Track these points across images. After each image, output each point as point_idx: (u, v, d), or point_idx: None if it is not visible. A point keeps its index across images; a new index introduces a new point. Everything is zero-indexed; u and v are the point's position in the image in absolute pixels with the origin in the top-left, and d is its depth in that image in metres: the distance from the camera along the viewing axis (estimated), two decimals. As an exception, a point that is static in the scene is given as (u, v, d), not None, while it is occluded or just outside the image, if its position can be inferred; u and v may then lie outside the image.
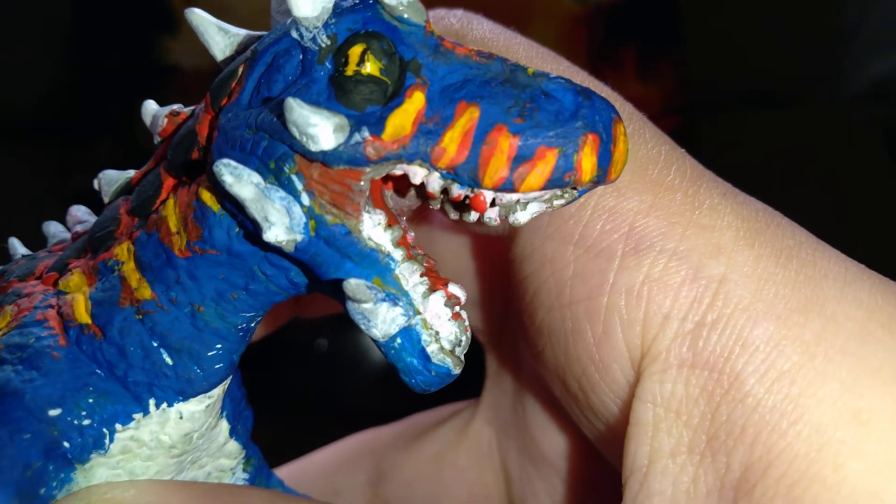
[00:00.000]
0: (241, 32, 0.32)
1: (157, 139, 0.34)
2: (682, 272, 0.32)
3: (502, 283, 0.41)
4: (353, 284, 0.28)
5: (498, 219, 0.30)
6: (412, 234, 0.31)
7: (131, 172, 0.35)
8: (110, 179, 0.35)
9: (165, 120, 0.33)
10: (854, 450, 0.29)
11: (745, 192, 0.36)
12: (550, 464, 0.43)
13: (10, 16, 1.21)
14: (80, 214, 0.37)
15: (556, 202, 0.30)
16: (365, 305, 0.29)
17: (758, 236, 0.33)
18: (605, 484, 0.35)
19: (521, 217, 0.30)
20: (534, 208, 0.30)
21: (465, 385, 0.48)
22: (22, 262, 0.36)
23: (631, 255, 0.33)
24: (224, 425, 0.36)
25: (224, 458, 0.37)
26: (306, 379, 1.09)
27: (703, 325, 0.32)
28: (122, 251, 0.32)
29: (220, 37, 0.32)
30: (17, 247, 0.37)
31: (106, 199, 0.35)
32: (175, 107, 0.34)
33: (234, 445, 0.37)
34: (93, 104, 1.25)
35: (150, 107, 0.34)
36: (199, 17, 0.32)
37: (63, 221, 0.38)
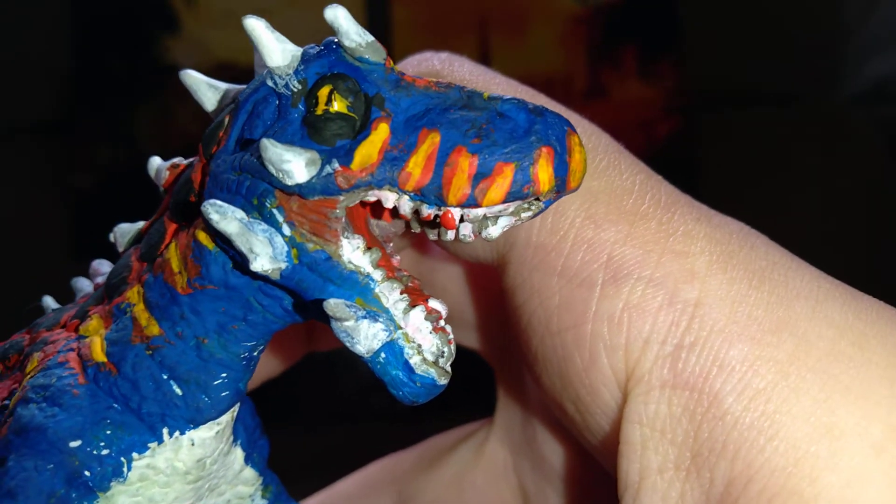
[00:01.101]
0: (226, 86, 0.35)
1: (161, 190, 0.36)
2: (658, 298, 0.33)
3: (503, 310, 0.42)
4: (333, 304, 0.30)
5: (472, 235, 0.31)
6: (398, 257, 0.33)
7: (141, 223, 0.37)
8: (124, 232, 0.37)
9: (167, 172, 0.36)
10: (828, 463, 0.30)
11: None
12: (562, 480, 0.44)
13: (11, 15, 1.21)
14: (102, 268, 0.39)
15: (524, 214, 0.31)
16: (347, 323, 0.30)
17: (731, 259, 0.34)
18: (614, 498, 0.36)
19: (493, 231, 0.31)
20: (504, 222, 0.31)
21: (483, 403, 0.49)
22: (51, 314, 0.38)
23: (610, 283, 0.34)
24: (239, 453, 0.37)
25: (242, 485, 0.38)
26: (305, 379, 1.09)
27: (681, 348, 0.33)
28: (133, 294, 0.35)
29: (210, 92, 0.35)
30: (51, 303, 0.40)
31: (120, 250, 0.37)
32: (175, 160, 0.36)
33: (250, 472, 0.38)
34: (93, 104, 1.25)
35: (155, 162, 0.36)
36: (191, 77, 0.35)
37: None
